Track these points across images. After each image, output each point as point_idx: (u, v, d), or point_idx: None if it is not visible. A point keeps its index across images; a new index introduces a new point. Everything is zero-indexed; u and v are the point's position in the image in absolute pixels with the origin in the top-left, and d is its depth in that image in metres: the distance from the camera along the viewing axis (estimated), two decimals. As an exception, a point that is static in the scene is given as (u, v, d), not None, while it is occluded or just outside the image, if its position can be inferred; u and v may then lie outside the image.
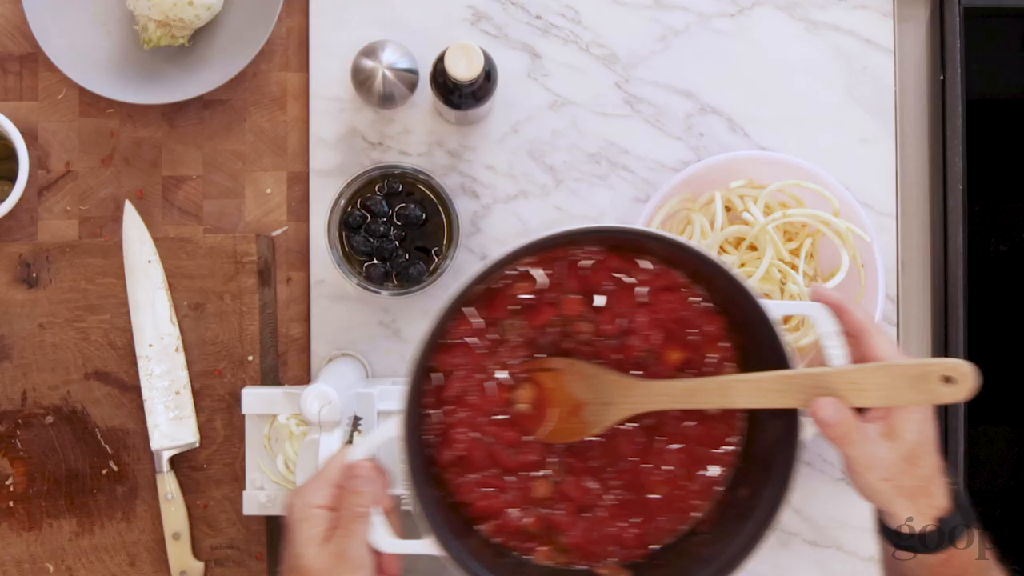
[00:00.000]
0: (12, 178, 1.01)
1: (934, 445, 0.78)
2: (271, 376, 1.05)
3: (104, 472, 1.03)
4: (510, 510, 0.84)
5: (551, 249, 0.83)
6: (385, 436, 0.79)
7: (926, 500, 0.77)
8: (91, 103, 1.07)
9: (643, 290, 0.84)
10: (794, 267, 0.99)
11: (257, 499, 0.99)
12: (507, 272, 0.83)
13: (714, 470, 0.85)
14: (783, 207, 1.00)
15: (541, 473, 0.84)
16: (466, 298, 0.82)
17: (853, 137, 1.08)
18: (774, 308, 0.78)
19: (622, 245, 0.84)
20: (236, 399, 1.02)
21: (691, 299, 0.84)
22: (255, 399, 0.98)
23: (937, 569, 0.78)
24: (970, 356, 1.03)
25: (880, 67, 1.08)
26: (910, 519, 0.78)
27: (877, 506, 0.80)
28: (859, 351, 0.79)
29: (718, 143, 1.08)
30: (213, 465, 1.03)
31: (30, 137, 1.06)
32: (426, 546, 0.78)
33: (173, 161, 1.07)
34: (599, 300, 0.84)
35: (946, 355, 1.04)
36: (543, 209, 1.07)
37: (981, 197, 1.07)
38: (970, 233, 1.05)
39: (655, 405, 0.81)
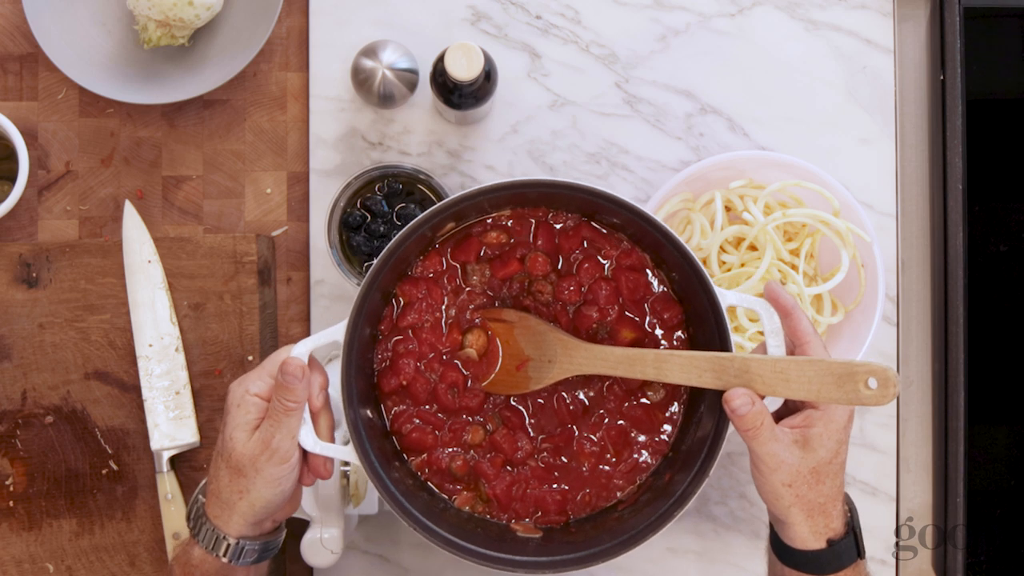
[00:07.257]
0: (12, 178, 1.02)
1: (843, 469, 0.79)
2: (271, 376, 1.05)
3: (104, 472, 1.03)
4: (440, 449, 0.87)
5: (528, 207, 0.87)
6: (330, 338, 0.81)
7: (822, 519, 0.78)
8: (91, 103, 1.07)
9: (609, 264, 0.87)
10: (794, 267, 0.99)
11: (257, 499, 0.99)
12: (483, 220, 0.87)
13: (644, 456, 0.87)
14: (783, 207, 1.00)
15: (477, 420, 0.87)
16: (437, 230, 0.85)
17: (853, 137, 1.08)
18: (725, 296, 0.80)
19: (596, 216, 0.87)
20: (236, 399, 1.02)
21: (653, 283, 0.87)
22: (255, 399, 0.98)
23: None
24: (970, 356, 1.03)
25: (880, 67, 1.08)
26: None
27: (773, 512, 0.80)
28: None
29: (718, 143, 1.08)
30: (213, 465, 1.03)
31: (30, 137, 1.06)
32: (346, 452, 0.81)
33: (173, 161, 1.07)
34: (565, 265, 0.87)
35: (946, 355, 1.04)
36: (543, 209, 1.07)
37: (981, 197, 1.07)
38: (970, 233, 1.05)
39: (593, 369, 0.84)
